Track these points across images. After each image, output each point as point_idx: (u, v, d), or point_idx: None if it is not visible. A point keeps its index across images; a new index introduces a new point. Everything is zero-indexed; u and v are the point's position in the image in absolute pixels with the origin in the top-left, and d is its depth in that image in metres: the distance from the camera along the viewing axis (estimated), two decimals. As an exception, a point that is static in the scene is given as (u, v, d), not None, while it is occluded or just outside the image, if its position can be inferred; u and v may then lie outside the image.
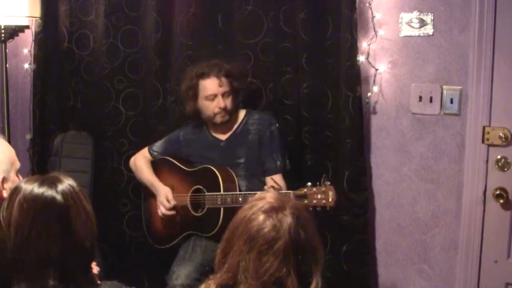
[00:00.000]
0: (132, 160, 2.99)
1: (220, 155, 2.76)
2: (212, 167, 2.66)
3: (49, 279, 1.40)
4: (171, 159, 2.86)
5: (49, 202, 1.43)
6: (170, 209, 2.74)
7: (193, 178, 2.75)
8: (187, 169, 2.79)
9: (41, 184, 1.46)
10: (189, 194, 2.74)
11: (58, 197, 1.44)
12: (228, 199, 2.54)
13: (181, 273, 2.62)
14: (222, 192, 2.58)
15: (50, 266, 1.40)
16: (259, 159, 2.73)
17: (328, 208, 2.41)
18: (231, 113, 2.73)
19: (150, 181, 2.86)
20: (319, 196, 2.39)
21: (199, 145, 2.82)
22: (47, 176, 1.50)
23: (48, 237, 1.41)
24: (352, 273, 2.74)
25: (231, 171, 2.68)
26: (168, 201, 2.74)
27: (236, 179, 2.66)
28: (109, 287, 1.54)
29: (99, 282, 1.54)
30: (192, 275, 2.61)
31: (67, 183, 1.48)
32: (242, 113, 2.81)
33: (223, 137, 2.79)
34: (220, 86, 2.68)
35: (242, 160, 2.72)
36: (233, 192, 2.58)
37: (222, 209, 2.57)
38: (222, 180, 2.61)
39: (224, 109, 2.69)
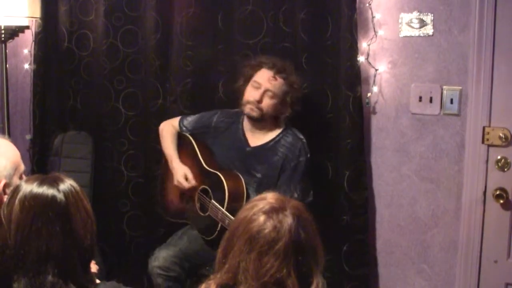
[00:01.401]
0: (161, 125, 2.91)
1: (242, 160, 2.69)
2: (224, 180, 2.57)
3: (48, 276, 1.41)
4: (195, 146, 2.79)
5: (50, 200, 1.45)
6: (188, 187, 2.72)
7: (205, 177, 2.71)
8: (204, 165, 2.73)
9: (42, 182, 1.48)
10: (198, 191, 2.72)
11: (60, 195, 1.46)
12: (226, 221, 2.45)
13: (160, 255, 2.66)
14: (224, 209, 2.50)
15: (50, 262, 1.42)
16: (275, 182, 2.64)
17: None
18: (264, 116, 2.63)
19: (170, 155, 2.81)
20: None
21: (227, 138, 2.76)
22: (48, 175, 1.52)
23: (48, 235, 1.42)
24: (352, 273, 2.75)
25: (243, 184, 2.61)
26: (187, 180, 2.72)
27: (244, 198, 2.58)
28: (107, 287, 1.54)
29: (98, 281, 1.55)
30: (170, 258, 2.63)
31: (68, 182, 1.51)
32: (279, 129, 2.70)
33: (252, 143, 2.71)
34: (269, 81, 2.60)
35: (258, 175, 2.66)
36: (233, 217, 2.52)
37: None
38: (228, 196, 2.54)
39: (256, 103, 2.59)
